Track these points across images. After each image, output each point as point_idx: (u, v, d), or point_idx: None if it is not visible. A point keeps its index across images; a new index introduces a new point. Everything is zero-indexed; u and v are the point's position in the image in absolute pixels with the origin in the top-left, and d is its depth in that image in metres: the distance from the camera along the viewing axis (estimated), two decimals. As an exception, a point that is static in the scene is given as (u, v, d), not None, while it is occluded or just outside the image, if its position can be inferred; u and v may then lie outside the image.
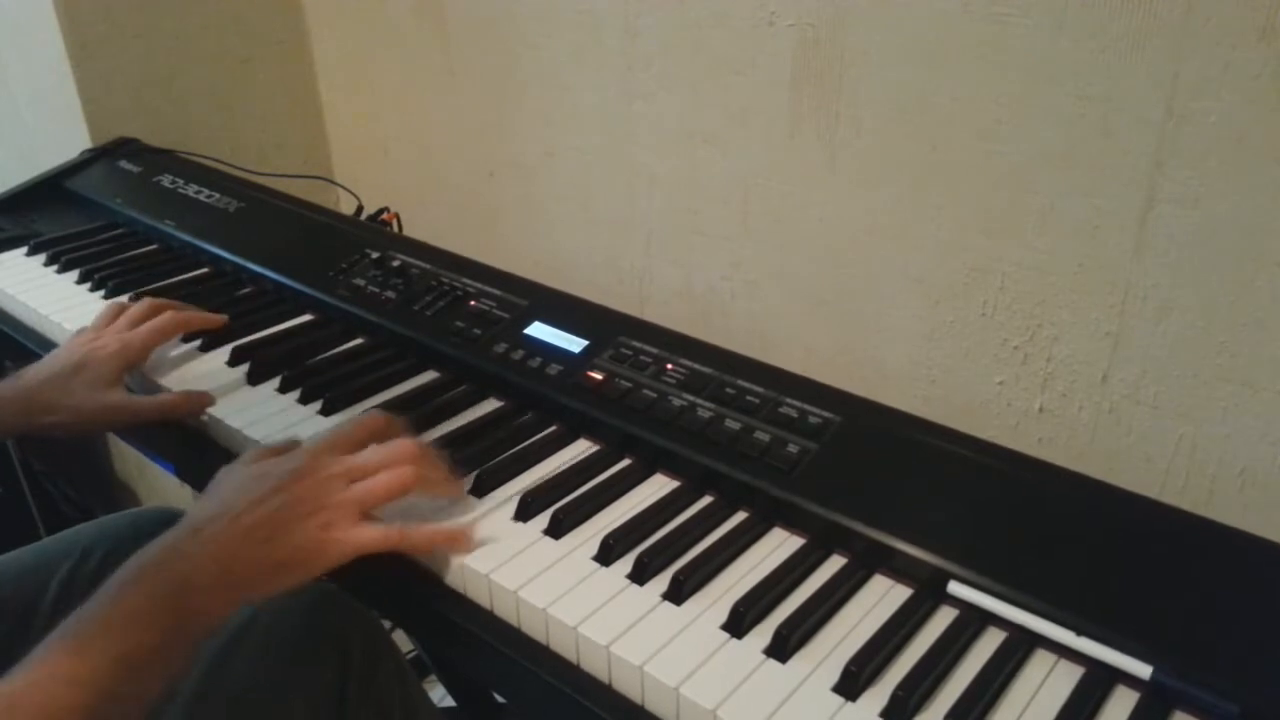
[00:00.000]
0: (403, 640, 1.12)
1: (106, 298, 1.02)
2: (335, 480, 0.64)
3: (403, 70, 1.44)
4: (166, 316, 0.89)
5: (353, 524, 0.63)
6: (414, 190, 1.51)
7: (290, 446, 0.69)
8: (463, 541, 0.66)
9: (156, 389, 0.86)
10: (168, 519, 1.00)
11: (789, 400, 0.74)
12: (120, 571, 0.58)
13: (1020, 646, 0.58)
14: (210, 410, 0.82)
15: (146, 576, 0.58)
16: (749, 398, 0.75)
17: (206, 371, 0.88)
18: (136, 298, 1.00)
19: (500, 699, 1.24)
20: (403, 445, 0.68)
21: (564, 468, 0.74)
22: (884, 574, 0.64)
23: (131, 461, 1.78)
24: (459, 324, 0.88)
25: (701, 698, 0.54)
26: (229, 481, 0.65)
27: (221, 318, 0.94)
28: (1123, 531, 0.62)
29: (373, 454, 0.67)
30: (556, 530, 0.67)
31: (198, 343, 0.92)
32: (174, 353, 0.91)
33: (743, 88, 1.07)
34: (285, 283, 1.00)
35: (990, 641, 0.59)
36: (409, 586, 0.67)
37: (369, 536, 0.63)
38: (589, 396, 0.78)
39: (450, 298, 0.92)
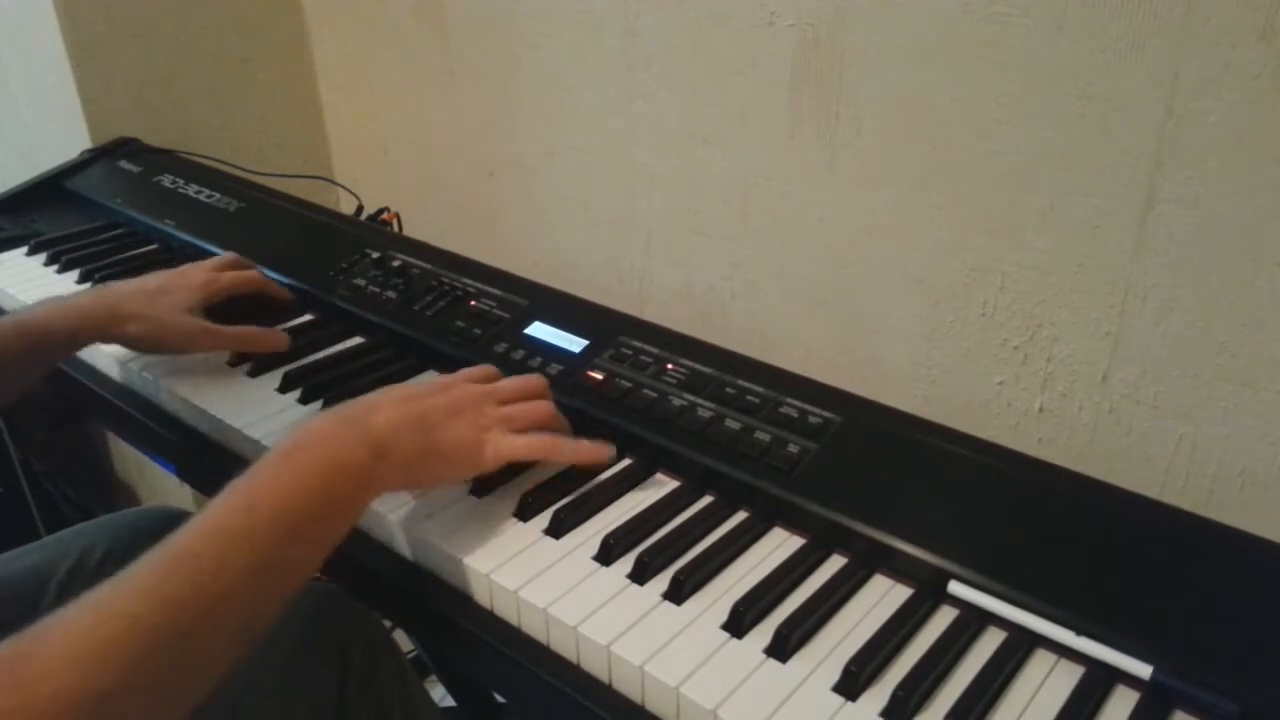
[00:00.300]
0: (403, 640, 1.12)
1: (107, 298, 1.02)
2: (487, 398, 0.69)
3: (403, 70, 1.44)
4: (253, 273, 0.95)
5: (505, 434, 0.67)
6: (414, 190, 1.51)
7: None
8: (605, 456, 0.71)
9: (155, 386, 0.86)
10: (168, 519, 1.00)
11: (789, 400, 0.74)
12: (285, 440, 0.60)
13: (1020, 646, 0.58)
14: (211, 410, 0.81)
15: (310, 447, 0.60)
16: (749, 398, 0.75)
17: (207, 371, 0.88)
18: None
19: (500, 699, 1.24)
20: (536, 382, 0.73)
21: (564, 468, 0.74)
22: (884, 574, 0.64)
23: (131, 461, 1.78)
24: (459, 324, 0.88)
25: (702, 697, 0.54)
26: (389, 388, 0.68)
27: (289, 294, 0.99)
28: (1123, 531, 0.62)
29: (512, 386, 0.72)
30: (557, 530, 0.67)
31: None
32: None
33: (743, 88, 1.07)
34: (285, 283, 1.00)
35: (990, 641, 0.59)
36: (409, 586, 0.67)
37: (521, 443, 0.68)
38: (589, 396, 0.78)
39: (450, 298, 0.92)
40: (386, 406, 0.64)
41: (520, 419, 0.69)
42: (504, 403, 0.69)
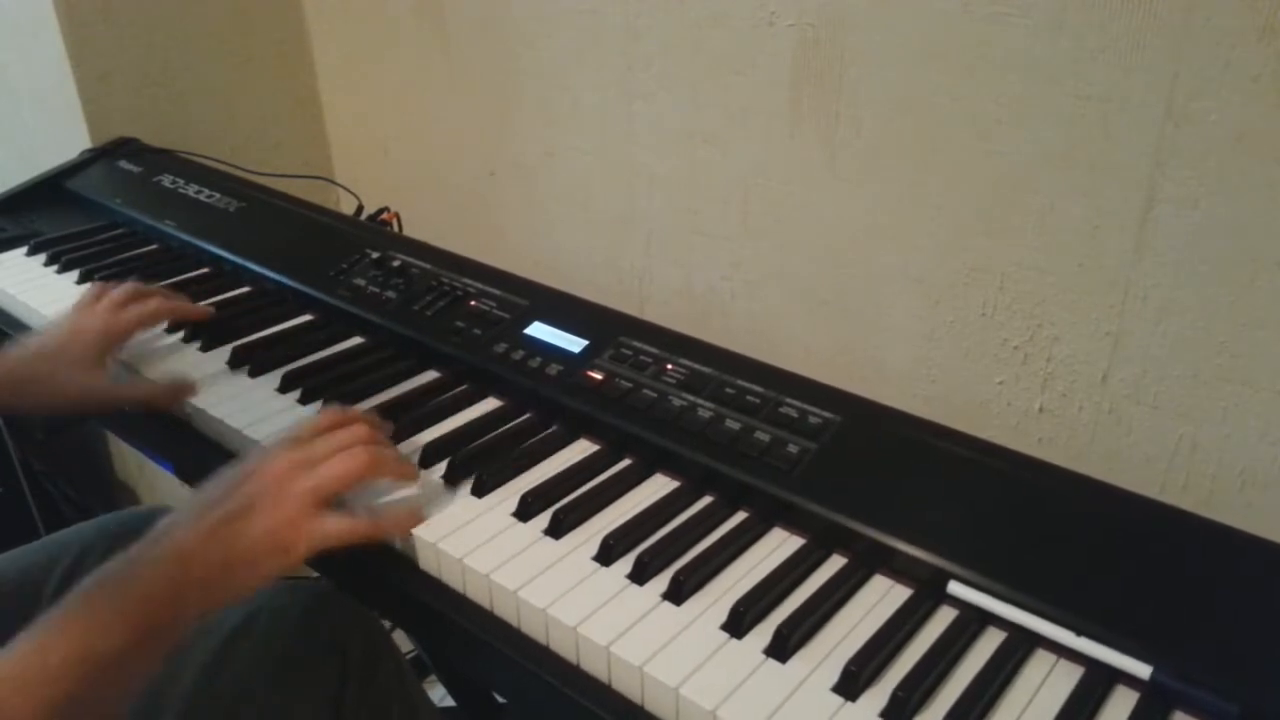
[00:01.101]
0: (403, 640, 1.12)
1: (106, 298, 1.02)
2: (291, 474, 0.64)
3: (403, 70, 1.44)
4: (155, 303, 0.90)
5: (314, 516, 0.63)
6: (414, 190, 1.51)
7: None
8: (420, 517, 0.67)
9: (136, 375, 0.86)
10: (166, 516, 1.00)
11: (789, 400, 0.74)
12: (86, 580, 0.58)
13: (1020, 646, 0.58)
14: (210, 410, 0.81)
15: (109, 584, 0.58)
16: (749, 398, 0.75)
17: (206, 371, 0.88)
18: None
19: (500, 699, 1.24)
20: (353, 430, 0.68)
21: (564, 468, 0.74)
22: (884, 574, 0.64)
23: (131, 461, 1.78)
24: (459, 324, 0.88)
25: (701, 698, 0.54)
26: (190, 500, 0.65)
27: (205, 309, 0.94)
28: (1123, 531, 0.62)
29: (325, 442, 0.67)
30: (556, 530, 0.67)
31: (198, 344, 0.92)
32: (173, 353, 0.91)
33: (743, 88, 1.07)
34: (285, 283, 1.00)
35: (990, 641, 0.59)
36: (409, 587, 0.67)
37: (334, 528, 0.63)
38: (589, 396, 0.78)
39: (450, 298, 0.92)
40: (181, 527, 0.61)
41: (334, 481, 0.64)
42: (317, 462, 0.65)
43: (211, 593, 0.60)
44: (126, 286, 0.90)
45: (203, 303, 0.99)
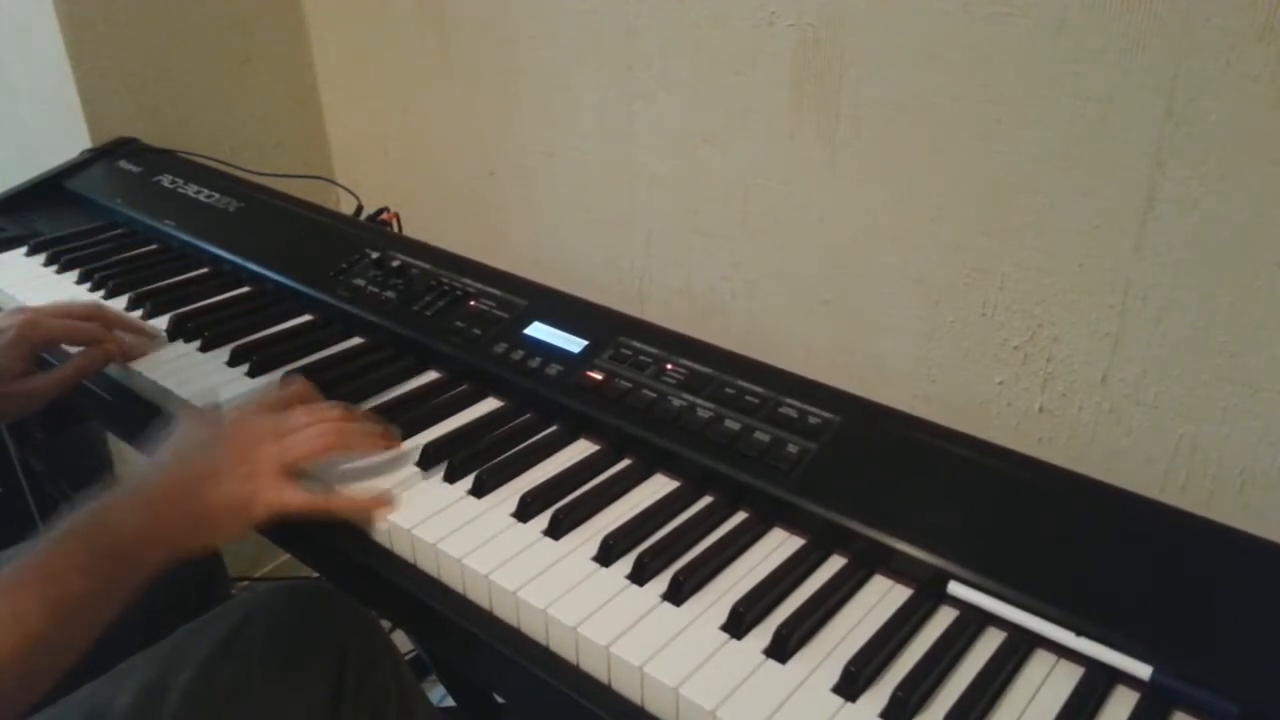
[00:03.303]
0: (403, 641, 1.12)
1: (106, 298, 1.02)
2: (260, 439, 0.67)
3: (403, 70, 1.44)
4: (92, 327, 0.89)
5: (277, 483, 0.66)
6: (414, 190, 1.51)
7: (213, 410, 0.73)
8: (385, 505, 0.68)
9: (155, 387, 0.86)
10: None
11: (789, 400, 0.74)
12: (58, 524, 0.61)
13: (1020, 646, 0.58)
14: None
15: (80, 529, 0.61)
16: (749, 398, 0.75)
17: (206, 371, 0.88)
18: (136, 298, 1.00)
19: (500, 699, 1.24)
20: (326, 408, 0.72)
21: (564, 468, 0.73)
22: (884, 574, 0.64)
23: (131, 461, 1.78)
24: (459, 324, 0.88)
25: (701, 698, 0.54)
26: (162, 447, 0.68)
27: (154, 344, 0.92)
28: (1123, 531, 0.62)
29: (298, 415, 0.70)
30: (556, 530, 0.67)
31: (197, 343, 0.92)
32: (173, 354, 0.91)
33: (743, 88, 1.07)
34: (285, 283, 1.00)
35: (990, 641, 0.59)
36: (408, 587, 0.67)
37: (293, 498, 0.66)
38: (589, 396, 0.78)
39: (450, 298, 0.92)
40: (150, 480, 0.65)
41: (302, 452, 0.67)
42: (286, 434, 0.68)
43: (174, 544, 0.64)
44: (82, 301, 0.92)
45: (203, 303, 1.00)
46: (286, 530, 0.75)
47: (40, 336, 0.86)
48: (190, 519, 0.64)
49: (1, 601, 0.56)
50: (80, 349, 0.87)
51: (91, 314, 0.90)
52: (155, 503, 0.64)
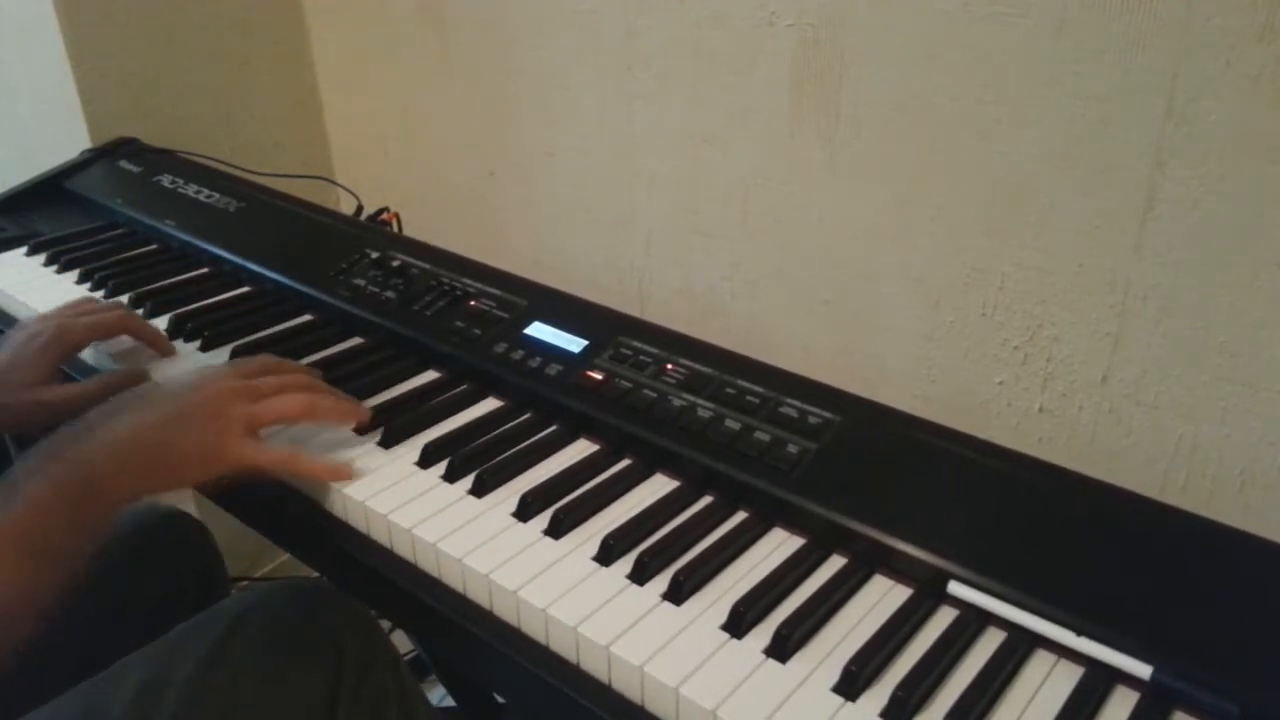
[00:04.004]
0: (403, 641, 1.12)
1: (106, 298, 1.02)
2: (232, 397, 0.69)
3: (403, 70, 1.44)
4: (113, 316, 0.89)
5: (245, 438, 0.68)
6: (414, 190, 1.51)
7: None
8: (344, 474, 0.71)
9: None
10: (167, 517, 1.00)
11: (789, 400, 0.74)
12: (26, 462, 0.62)
13: (1020, 646, 0.58)
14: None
15: (49, 466, 0.62)
16: (749, 398, 0.75)
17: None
18: (137, 298, 1.00)
19: (500, 699, 1.24)
20: (296, 376, 0.75)
21: (564, 468, 0.73)
22: (884, 574, 0.64)
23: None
24: (459, 324, 0.88)
25: (701, 698, 0.54)
26: (131, 394, 0.70)
27: (169, 346, 0.91)
28: (1123, 531, 0.62)
29: (269, 380, 0.73)
30: (556, 530, 0.67)
31: (197, 343, 0.92)
32: (173, 354, 0.91)
33: (743, 88, 1.07)
34: (285, 283, 1.00)
35: (990, 641, 0.59)
36: (408, 586, 0.67)
37: (259, 453, 0.69)
38: (589, 396, 0.78)
39: (450, 298, 0.92)
40: (122, 419, 0.66)
41: (270, 414, 0.70)
42: (258, 398, 0.70)
43: (141, 484, 0.66)
44: (108, 303, 0.91)
45: (203, 303, 1.00)
46: (286, 530, 0.75)
47: (72, 341, 0.86)
48: (158, 463, 0.66)
49: None
50: (105, 373, 0.86)
51: (123, 322, 0.90)
52: (123, 443, 0.65)
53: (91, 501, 0.63)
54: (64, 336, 0.85)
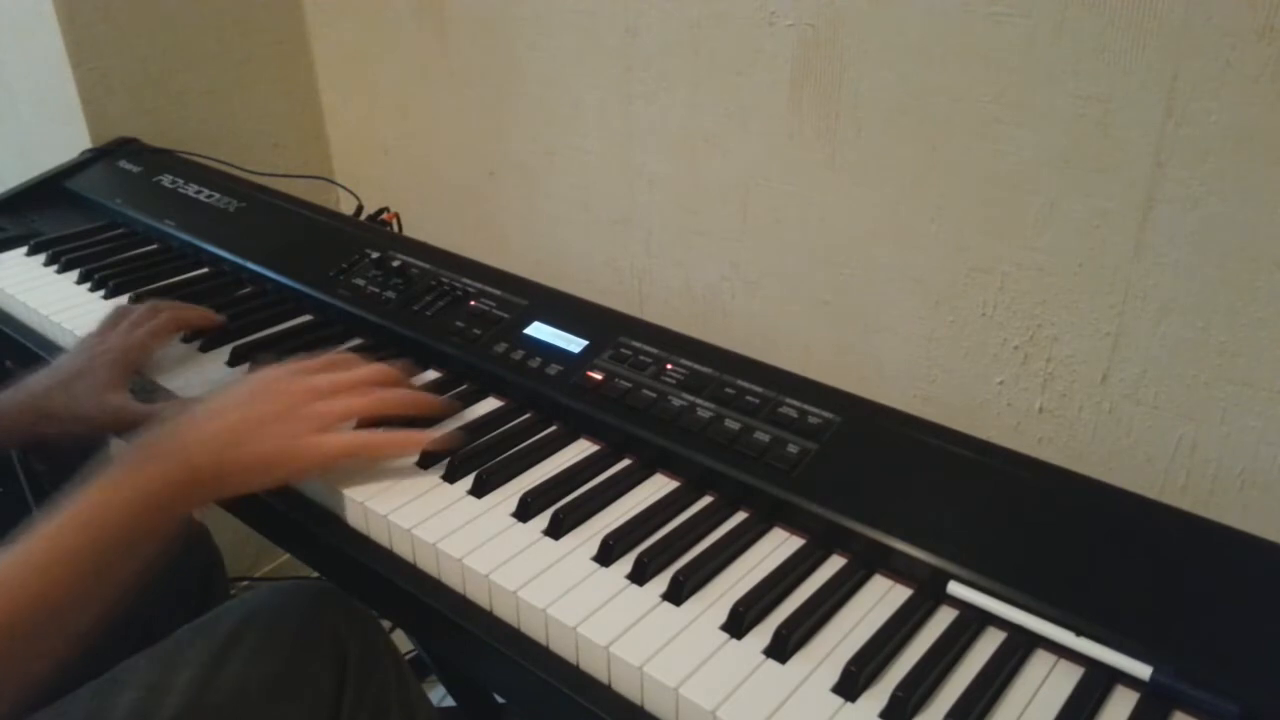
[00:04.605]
0: (403, 640, 1.12)
1: (107, 298, 1.02)
2: (305, 397, 0.70)
3: (403, 70, 1.44)
4: (165, 317, 0.90)
5: (318, 435, 0.68)
6: (414, 190, 1.51)
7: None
8: (419, 441, 0.72)
9: (158, 391, 0.86)
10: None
11: (789, 400, 0.74)
12: (98, 469, 0.62)
13: (1020, 646, 0.58)
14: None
15: (121, 473, 0.63)
16: (749, 398, 0.75)
17: (207, 372, 0.88)
18: (137, 298, 1.00)
19: (500, 699, 1.24)
20: (366, 371, 0.74)
21: (564, 468, 0.73)
22: (884, 574, 0.64)
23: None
24: (459, 324, 0.88)
25: (701, 698, 0.54)
26: (196, 402, 0.71)
27: (219, 317, 0.94)
28: (1123, 531, 0.62)
29: (340, 375, 0.73)
30: (556, 530, 0.67)
31: (198, 343, 0.92)
32: (174, 355, 0.91)
33: (743, 88, 1.07)
34: (285, 283, 1.00)
35: (990, 641, 0.59)
36: (409, 587, 0.67)
37: (333, 447, 0.69)
38: (589, 396, 0.78)
39: (450, 298, 0.92)
40: (199, 424, 0.67)
41: (339, 412, 0.70)
42: (330, 394, 0.70)
43: (209, 493, 0.66)
44: (143, 307, 0.91)
45: (203, 303, 0.99)
46: (286, 531, 0.75)
47: (138, 355, 0.86)
48: (232, 468, 0.66)
49: (47, 540, 0.58)
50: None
51: (155, 311, 0.90)
52: (193, 454, 0.65)
53: (159, 513, 0.63)
54: (130, 351, 0.85)
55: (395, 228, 1.29)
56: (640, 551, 0.64)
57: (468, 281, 0.94)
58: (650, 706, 0.56)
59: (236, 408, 0.68)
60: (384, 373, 0.75)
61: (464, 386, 0.85)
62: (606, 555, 0.65)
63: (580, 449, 0.77)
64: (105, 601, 0.60)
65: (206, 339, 0.92)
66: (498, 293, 0.91)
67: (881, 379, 1.07)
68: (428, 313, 0.91)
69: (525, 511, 0.69)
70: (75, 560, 0.59)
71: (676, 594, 0.61)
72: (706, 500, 0.71)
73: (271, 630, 0.79)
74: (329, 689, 0.78)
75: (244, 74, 1.49)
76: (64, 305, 1.01)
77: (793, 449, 0.70)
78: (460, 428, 0.76)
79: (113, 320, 0.90)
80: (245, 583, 1.59)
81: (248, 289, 1.04)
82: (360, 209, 1.33)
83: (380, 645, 0.84)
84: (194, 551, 1.02)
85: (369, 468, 0.72)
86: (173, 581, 0.97)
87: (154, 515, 0.63)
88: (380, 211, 1.29)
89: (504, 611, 0.63)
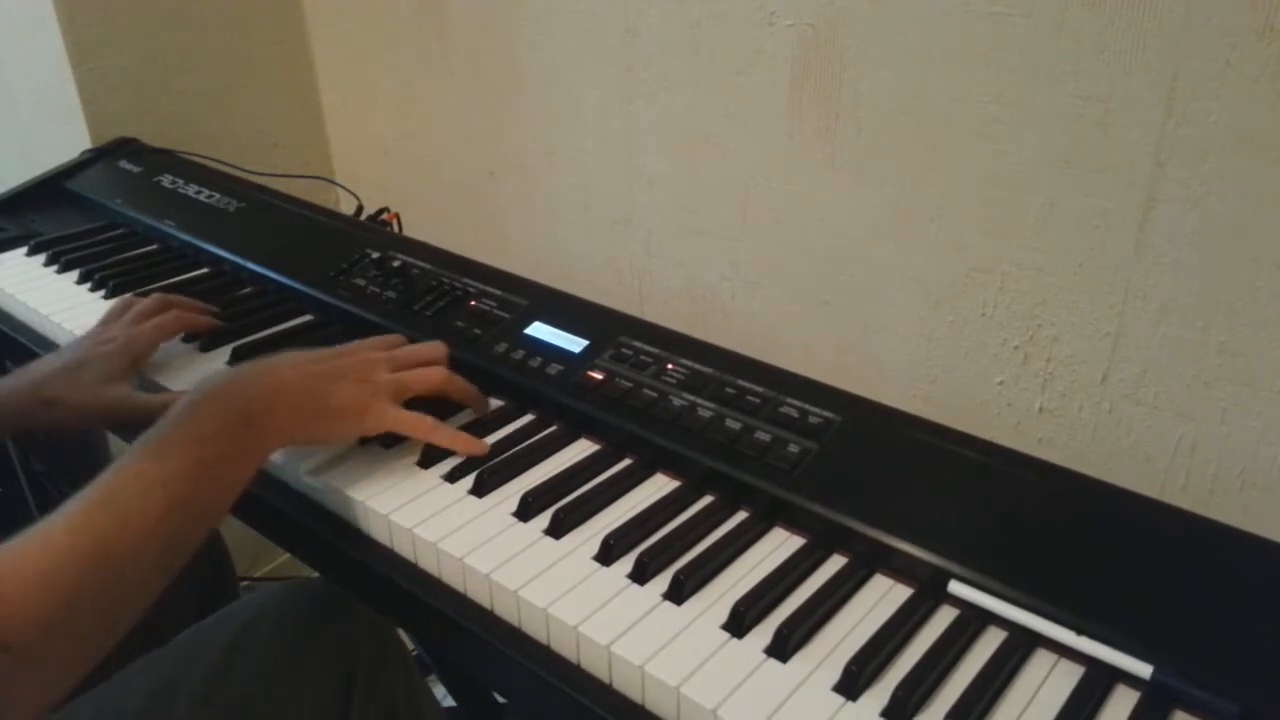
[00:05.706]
0: (403, 640, 1.12)
1: (107, 298, 1.02)
2: (378, 366, 0.74)
3: (403, 70, 1.44)
4: (171, 316, 0.90)
5: (390, 403, 0.73)
6: (414, 190, 1.51)
7: None
8: (480, 449, 0.74)
9: (157, 389, 0.86)
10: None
11: (789, 400, 0.74)
12: (190, 394, 0.66)
13: (1020, 646, 0.58)
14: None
15: (213, 400, 0.66)
16: (749, 398, 0.75)
17: (207, 372, 0.88)
18: (141, 296, 1.00)
19: (500, 699, 1.24)
20: (437, 347, 0.80)
21: (565, 467, 0.74)
22: (884, 574, 0.64)
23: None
24: (459, 324, 0.88)
25: (702, 697, 0.54)
26: (278, 354, 0.74)
27: (213, 322, 0.94)
28: (1123, 531, 0.62)
29: (410, 352, 0.78)
30: (557, 530, 0.67)
31: (198, 344, 0.92)
32: (175, 354, 0.91)
33: (743, 88, 1.07)
34: (285, 283, 1.00)
35: (990, 641, 0.59)
36: (409, 586, 0.67)
37: (404, 416, 0.73)
38: (589, 396, 0.78)
39: (450, 298, 0.92)
40: (284, 367, 0.71)
41: (414, 383, 0.75)
42: (399, 368, 0.75)
43: (293, 427, 0.69)
44: (150, 299, 0.91)
45: (204, 304, 0.99)
46: (286, 530, 0.75)
47: (143, 347, 0.86)
48: (313, 410, 0.70)
49: (149, 466, 0.60)
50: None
51: (163, 304, 0.91)
52: (284, 389, 0.69)
53: (251, 433, 0.66)
54: (134, 344, 0.85)
55: (395, 228, 1.29)
56: (641, 551, 0.64)
57: (468, 281, 0.94)
58: (651, 706, 0.56)
59: (321, 360, 0.73)
60: (445, 354, 0.79)
61: (464, 386, 0.85)
62: (607, 555, 0.65)
63: (581, 449, 0.77)
64: (211, 514, 0.64)
65: (207, 339, 0.92)
66: (498, 293, 0.91)
67: (882, 379, 1.07)
68: (428, 313, 0.91)
69: (526, 511, 0.69)
70: (181, 481, 0.61)
71: (677, 593, 0.61)
72: (707, 500, 0.71)
73: (280, 631, 0.79)
74: (338, 688, 0.78)
75: (244, 74, 1.49)
76: (64, 305, 1.01)
77: (793, 449, 0.70)
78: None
79: (117, 311, 0.90)
80: (245, 582, 1.59)
81: (248, 289, 1.04)
82: (360, 209, 1.33)
83: (389, 645, 0.84)
84: (205, 550, 1.02)
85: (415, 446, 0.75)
86: (178, 582, 0.97)
87: (248, 434, 0.65)
88: (380, 211, 1.29)
89: (505, 611, 0.63)
